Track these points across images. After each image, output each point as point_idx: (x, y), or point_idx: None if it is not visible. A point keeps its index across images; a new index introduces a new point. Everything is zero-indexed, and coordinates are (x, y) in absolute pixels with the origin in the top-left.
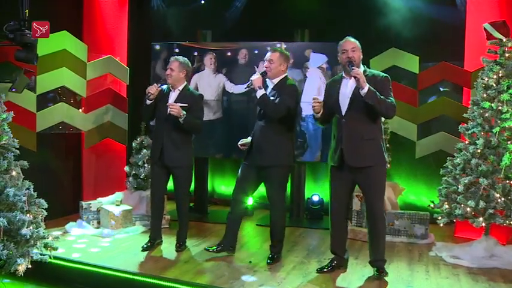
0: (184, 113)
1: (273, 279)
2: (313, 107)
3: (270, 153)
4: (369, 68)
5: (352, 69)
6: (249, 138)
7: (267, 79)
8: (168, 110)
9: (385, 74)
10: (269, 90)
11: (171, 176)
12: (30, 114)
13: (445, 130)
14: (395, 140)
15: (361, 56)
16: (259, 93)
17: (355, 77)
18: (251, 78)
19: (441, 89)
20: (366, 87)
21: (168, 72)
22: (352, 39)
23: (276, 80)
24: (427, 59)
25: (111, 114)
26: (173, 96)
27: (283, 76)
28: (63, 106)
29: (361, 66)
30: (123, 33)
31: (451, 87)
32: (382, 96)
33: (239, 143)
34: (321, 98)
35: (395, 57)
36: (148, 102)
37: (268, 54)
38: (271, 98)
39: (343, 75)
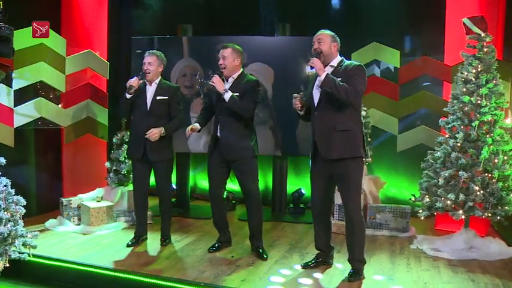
0: (163, 130)
1: (255, 274)
2: (294, 104)
3: (240, 146)
4: (350, 60)
5: (311, 59)
6: (197, 124)
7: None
8: (149, 137)
9: (358, 63)
10: (228, 85)
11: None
12: (7, 110)
13: (426, 124)
14: (377, 133)
15: (334, 47)
16: (227, 96)
17: (311, 67)
18: (211, 82)
19: (425, 84)
20: (323, 74)
21: (146, 67)
22: (323, 32)
23: (235, 76)
24: (408, 53)
25: (91, 110)
26: (151, 90)
27: (240, 72)
28: (42, 101)
29: (338, 58)
30: (103, 27)
31: (431, 82)
32: (342, 83)
33: (190, 129)
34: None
35: (376, 51)
36: (128, 96)
37: (221, 50)
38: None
39: None
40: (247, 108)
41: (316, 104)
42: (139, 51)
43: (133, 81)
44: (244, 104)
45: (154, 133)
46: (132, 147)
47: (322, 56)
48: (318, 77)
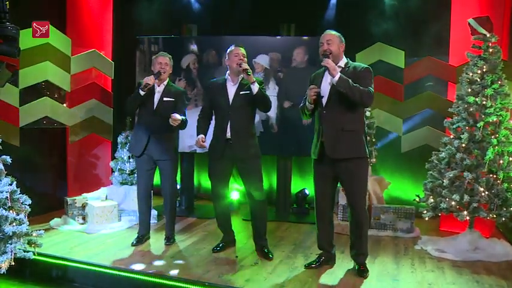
0: (181, 119)
1: (259, 274)
2: (310, 96)
3: (250, 145)
4: (354, 62)
5: (324, 59)
6: (203, 137)
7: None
8: (171, 122)
9: (365, 65)
10: (237, 85)
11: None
12: (13, 109)
13: (431, 124)
14: (381, 134)
15: (342, 48)
16: (256, 87)
17: (325, 67)
18: (244, 66)
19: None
20: (337, 75)
21: (163, 67)
22: (331, 32)
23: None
24: (412, 54)
25: (96, 109)
26: (158, 90)
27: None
28: (47, 101)
29: (344, 58)
30: (108, 26)
31: (435, 82)
32: (355, 84)
33: (201, 141)
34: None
35: (381, 51)
36: (142, 93)
37: (239, 49)
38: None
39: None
40: (268, 99)
41: (324, 103)
42: (143, 41)
43: (150, 79)
44: (266, 95)
45: (176, 117)
46: (132, 144)
47: (331, 57)
48: (326, 77)
